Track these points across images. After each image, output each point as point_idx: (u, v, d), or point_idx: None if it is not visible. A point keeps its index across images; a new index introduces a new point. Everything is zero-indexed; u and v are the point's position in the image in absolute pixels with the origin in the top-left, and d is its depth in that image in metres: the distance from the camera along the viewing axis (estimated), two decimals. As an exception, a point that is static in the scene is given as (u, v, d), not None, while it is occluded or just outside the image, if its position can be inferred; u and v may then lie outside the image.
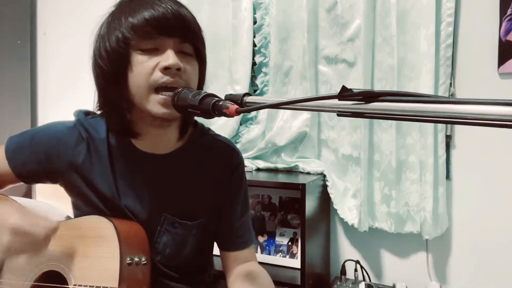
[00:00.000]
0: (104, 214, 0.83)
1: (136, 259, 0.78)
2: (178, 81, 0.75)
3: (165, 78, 0.74)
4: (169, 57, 0.74)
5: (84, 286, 0.76)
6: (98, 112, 0.87)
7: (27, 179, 0.87)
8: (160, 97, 0.74)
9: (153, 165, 0.85)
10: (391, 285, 1.35)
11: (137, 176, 0.85)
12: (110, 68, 0.77)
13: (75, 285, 0.77)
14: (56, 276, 0.80)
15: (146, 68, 0.74)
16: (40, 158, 0.84)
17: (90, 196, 0.84)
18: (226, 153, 0.93)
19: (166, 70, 0.74)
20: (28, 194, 1.96)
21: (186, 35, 0.77)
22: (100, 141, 0.84)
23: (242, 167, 0.96)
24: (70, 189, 0.88)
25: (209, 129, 0.96)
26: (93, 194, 0.84)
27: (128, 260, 0.77)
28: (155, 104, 0.75)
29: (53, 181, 0.88)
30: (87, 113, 0.89)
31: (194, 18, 0.81)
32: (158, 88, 0.75)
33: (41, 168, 0.85)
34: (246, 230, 0.96)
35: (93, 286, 0.75)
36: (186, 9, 0.80)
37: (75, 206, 0.90)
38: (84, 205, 0.87)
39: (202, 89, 0.82)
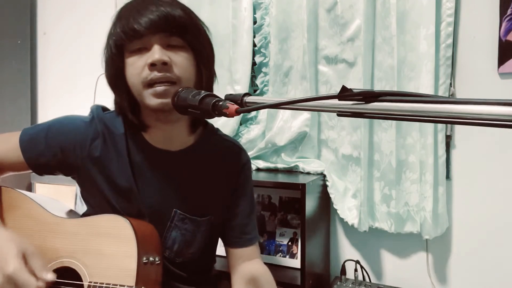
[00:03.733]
0: (117, 211, 0.84)
1: (151, 258, 0.80)
2: (166, 74, 0.77)
3: (153, 74, 0.76)
4: (154, 53, 0.76)
5: (101, 283, 0.77)
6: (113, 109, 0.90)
7: (40, 171, 0.89)
8: (152, 89, 0.77)
9: (166, 162, 0.88)
10: (392, 285, 1.35)
11: (150, 171, 0.87)
12: (111, 72, 0.82)
13: (90, 282, 0.78)
14: (70, 272, 0.81)
15: (136, 68, 0.78)
16: (56, 152, 0.86)
17: (104, 189, 0.86)
18: (235, 152, 0.97)
19: (152, 66, 0.76)
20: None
21: (170, 29, 0.78)
22: (119, 136, 0.86)
23: (249, 166, 0.99)
24: (84, 182, 0.90)
25: (217, 129, 0.99)
26: (109, 187, 0.86)
27: (144, 260, 0.78)
28: (149, 97, 0.78)
29: (67, 174, 0.90)
30: (104, 109, 0.92)
31: (185, 11, 0.81)
32: (150, 84, 0.77)
33: (56, 161, 0.86)
34: (252, 227, 0.98)
35: (109, 284, 0.76)
36: (181, 8, 0.80)
37: (85, 200, 0.92)
38: (95, 198, 0.88)
39: (204, 81, 0.85)
